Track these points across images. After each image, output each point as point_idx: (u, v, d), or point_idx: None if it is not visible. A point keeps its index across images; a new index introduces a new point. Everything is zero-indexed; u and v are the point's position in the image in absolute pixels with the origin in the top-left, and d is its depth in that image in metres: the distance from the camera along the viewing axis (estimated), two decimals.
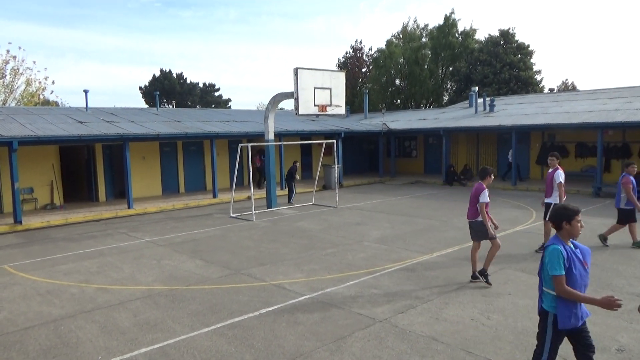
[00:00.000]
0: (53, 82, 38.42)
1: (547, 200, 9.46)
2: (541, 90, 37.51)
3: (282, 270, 8.58)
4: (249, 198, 15.93)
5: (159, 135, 16.85)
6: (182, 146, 20.38)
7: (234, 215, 14.63)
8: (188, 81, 53.93)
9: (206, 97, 54.64)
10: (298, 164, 18.15)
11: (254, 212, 14.16)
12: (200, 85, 55.10)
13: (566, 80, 59.72)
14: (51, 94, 41.66)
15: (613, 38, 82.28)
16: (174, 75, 53.35)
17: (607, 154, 19.14)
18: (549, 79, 79.84)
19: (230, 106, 54.61)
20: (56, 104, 35.97)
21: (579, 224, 4.00)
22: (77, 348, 5.63)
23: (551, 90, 38.96)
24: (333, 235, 11.56)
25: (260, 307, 6.74)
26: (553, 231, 4.18)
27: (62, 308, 6.98)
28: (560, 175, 9.29)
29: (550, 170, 9.58)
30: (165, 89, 50.49)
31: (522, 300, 6.80)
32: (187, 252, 10.16)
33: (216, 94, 56.58)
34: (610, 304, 3.60)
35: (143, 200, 18.02)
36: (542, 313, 4.04)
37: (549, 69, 76.92)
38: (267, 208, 15.74)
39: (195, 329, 6.05)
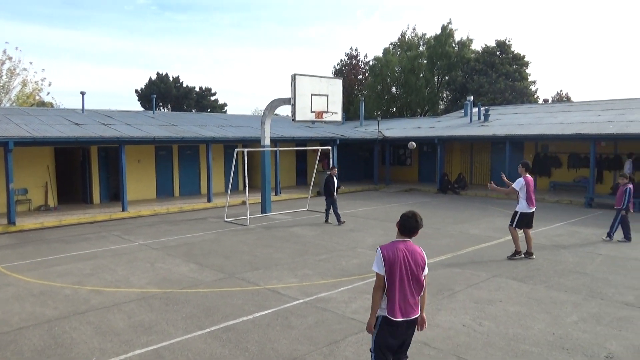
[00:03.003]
0: (50, 84, 38.29)
1: (516, 209, 9.92)
2: (536, 101, 37.86)
3: (276, 275, 8.62)
4: (244, 203, 15.95)
5: (155, 138, 16.88)
6: (177, 150, 20.41)
7: (229, 219, 14.65)
8: (184, 85, 53.93)
9: (202, 101, 54.62)
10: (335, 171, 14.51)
11: (248, 216, 14.19)
12: (197, 89, 55.08)
13: (560, 91, 60.22)
14: (47, 95, 41.59)
15: (607, 50, 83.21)
16: (170, 78, 53.34)
17: (599, 165, 19.35)
18: (544, 90, 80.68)
19: (226, 111, 54.62)
20: (52, 105, 35.90)
21: None
22: (71, 349, 5.65)
23: (545, 100, 39.31)
24: (327, 241, 11.62)
25: (254, 311, 6.78)
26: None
27: (55, 309, 6.98)
28: (519, 183, 9.76)
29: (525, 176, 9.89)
30: (162, 93, 50.46)
31: (513, 308, 6.88)
32: (181, 256, 10.18)
33: (212, 98, 56.57)
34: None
35: (137, 203, 18.01)
36: None
37: (544, 80, 77.70)
38: (262, 213, 15.78)
39: (189, 331, 6.08)
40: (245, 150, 14.96)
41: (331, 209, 13.82)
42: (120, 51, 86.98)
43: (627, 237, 11.17)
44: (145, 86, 52.36)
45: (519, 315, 6.60)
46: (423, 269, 4.08)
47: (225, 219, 14.65)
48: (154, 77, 53.02)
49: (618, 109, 21.40)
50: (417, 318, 4.12)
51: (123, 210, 16.07)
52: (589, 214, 15.47)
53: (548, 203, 18.12)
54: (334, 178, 13.92)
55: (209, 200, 18.36)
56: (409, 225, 4.06)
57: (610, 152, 19.85)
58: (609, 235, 11.32)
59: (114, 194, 18.47)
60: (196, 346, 5.65)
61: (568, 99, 46.81)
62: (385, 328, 4.04)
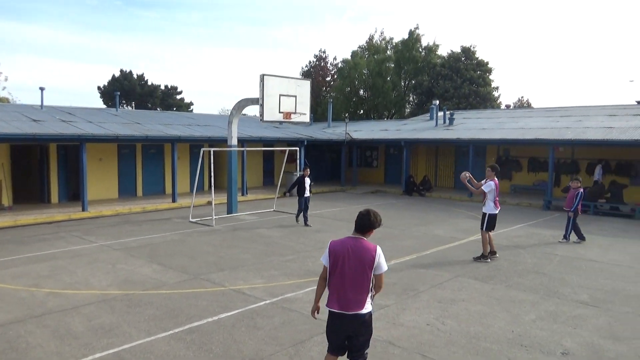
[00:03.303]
0: (6, 79, 36.72)
1: (484, 210, 10.07)
2: (498, 106, 38.94)
3: (241, 276, 8.55)
4: (210, 203, 15.74)
5: (118, 136, 16.45)
6: (141, 149, 19.94)
7: (194, 220, 14.42)
8: (149, 83, 52.82)
9: (167, 99, 53.62)
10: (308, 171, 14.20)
11: (214, 217, 14.01)
12: (162, 87, 54.07)
13: (522, 97, 62.35)
14: (3, 90, 39.88)
15: (566, 59, 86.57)
16: (135, 76, 52.14)
17: (557, 169, 20.07)
18: (506, 96, 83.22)
19: (192, 110, 53.78)
20: (8, 101, 34.44)
21: None
22: (26, 353, 5.43)
23: (507, 106, 40.54)
24: (294, 242, 11.60)
25: (219, 312, 6.70)
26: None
27: (9, 313, 6.69)
28: (489, 186, 9.91)
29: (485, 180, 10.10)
30: (125, 90, 49.24)
31: (474, 307, 7.05)
32: (144, 257, 9.95)
33: (178, 97, 55.62)
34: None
35: (98, 203, 17.49)
36: None
37: (506, 86, 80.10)
38: (228, 214, 15.61)
39: (152, 333, 5.95)
40: (212, 149, 14.77)
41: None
42: (82, 47, 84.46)
43: (580, 237, 11.65)
44: (108, 83, 51.01)
45: (480, 314, 6.77)
46: (371, 268, 4.10)
47: (190, 220, 14.42)
48: (117, 74, 51.72)
49: (576, 115, 22.28)
50: (362, 315, 4.12)
51: (83, 210, 15.58)
52: (547, 217, 16.02)
53: (509, 205, 18.65)
54: (307, 179, 13.86)
55: (173, 201, 18.03)
56: (360, 222, 4.19)
57: (567, 157, 20.63)
58: (565, 237, 11.76)
59: (74, 194, 17.87)
60: (159, 348, 5.53)
61: (529, 105, 48.43)
62: (329, 318, 4.28)
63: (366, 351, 4.30)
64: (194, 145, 20.80)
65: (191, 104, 56.30)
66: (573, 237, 11.77)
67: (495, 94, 39.45)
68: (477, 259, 9.92)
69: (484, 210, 10.01)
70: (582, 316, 6.75)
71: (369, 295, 4.18)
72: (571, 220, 11.67)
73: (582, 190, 11.75)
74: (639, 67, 74.17)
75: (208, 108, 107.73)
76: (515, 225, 14.14)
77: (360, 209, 4.42)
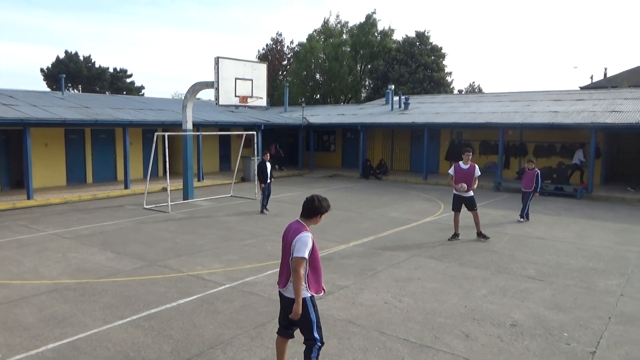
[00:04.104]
0: None
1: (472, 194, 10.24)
2: (451, 91, 39.91)
3: (200, 261, 8.45)
4: (165, 189, 15.40)
5: (65, 120, 15.72)
6: (90, 134, 19.15)
7: (148, 206, 14.08)
8: (97, 65, 50.57)
9: (117, 83, 51.57)
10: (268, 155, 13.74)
11: (170, 203, 13.73)
12: (110, 70, 51.91)
13: (473, 82, 64.09)
14: None
15: (515, 45, 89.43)
16: (81, 58, 49.77)
17: (507, 152, 20.87)
18: (458, 81, 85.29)
19: (143, 94, 52.04)
20: None
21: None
22: None
23: (460, 91, 41.60)
24: (252, 226, 11.56)
25: (178, 298, 6.62)
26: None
27: None
28: (478, 170, 10.29)
29: (469, 164, 10.27)
30: (71, 73, 46.94)
31: (430, 284, 7.30)
32: (97, 245, 9.65)
33: (128, 80, 53.61)
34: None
35: (45, 190, 16.73)
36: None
37: (459, 72, 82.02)
38: (184, 200, 15.33)
39: (108, 322, 5.81)
40: (166, 134, 14.39)
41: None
42: (22, 26, 79.59)
43: (525, 216, 12.22)
44: (53, 65, 48.48)
45: (435, 291, 7.02)
46: (290, 248, 4.15)
47: (145, 206, 14.06)
48: (62, 55, 49.19)
49: (524, 100, 23.15)
50: (287, 296, 4.25)
51: (28, 198, 14.87)
52: (497, 197, 16.68)
53: None
54: (268, 164, 13.61)
55: (126, 187, 17.50)
56: (305, 207, 4.30)
57: (516, 140, 21.47)
58: (523, 216, 12.23)
59: (17, 181, 17.01)
60: (116, 336, 5.42)
61: (480, 91, 49.83)
62: None
63: (313, 336, 4.24)
64: (147, 130, 20.19)
65: (142, 87, 54.44)
66: (518, 216, 12.29)
67: (449, 79, 40.34)
68: (451, 239, 10.13)
69: (471, 193, 10.21)
70: (529, 290, 7.12)
71: (291, 279, 4.20)
72: (529, 200, 12.11)
73: (538, 171, 12.27)
74: (582, 55, 77.63)
75: (160, 92, 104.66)
76: None
77: (319, 193, 4.44)
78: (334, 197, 15.94)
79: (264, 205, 13.42)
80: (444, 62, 39.60)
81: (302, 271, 4.10)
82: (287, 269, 4.22)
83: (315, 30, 43.00)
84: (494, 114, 20.86)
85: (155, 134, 14.62)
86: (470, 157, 10.41)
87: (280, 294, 4.36)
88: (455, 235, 10.24)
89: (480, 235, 10.25)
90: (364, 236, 10.51)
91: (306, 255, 4.09)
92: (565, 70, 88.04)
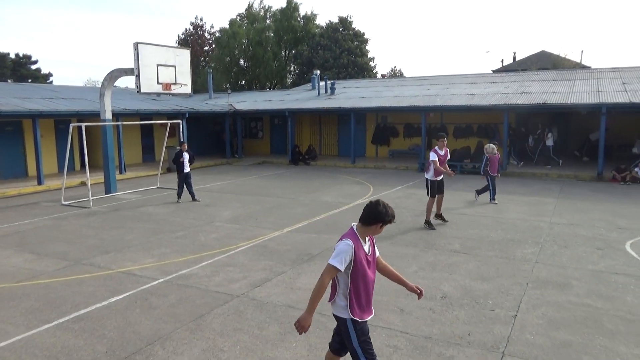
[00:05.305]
0: None
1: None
2: (375, 76, 40.86)
3: (129, 257, 8.11)
4: (84, 184, 14.51)
5: None
6: None
7: (67, 203, 13.21)
8: None
9: (20, 70, 47.43)
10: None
11: (91, 198, 12.97)
12: (12, 56, 47.63)
13: (395, 67, 66.04)
14: None
15: (434, 31, 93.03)
16: None
17: (429, 134, 21.82)
18: (381, 66, 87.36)
19: (51, 81, 48.35)
20: None
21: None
22: None
23: (383, 76, 42.70)
24: (182, 217, 11.25)
25: (108, 297, 6.32)
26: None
27: None
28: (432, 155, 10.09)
29: (444, 150, 10.18)
30: None
31: None
32: (12, 246, 8.93)
33: (33, 67, 49.51)
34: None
35: None
36: None
37: (381, 57, 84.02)
38: (107, 194, 14.55)
39: (32, 327, 5.44)
40: (83, 125, 13.51)
41: (184, 187, 13.27)
42: None
43: (484, 194, 12.77)
44: None
45: None
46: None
47: (63, 203, 13.18)
48: None
49: (443, 84, 24.25)
50: (334, 311, 3.72)
51: None
52: (422, 178, 17.38)
53: (388, 170, 19.95)
54: (185, 154, 13.27)
55: (39, 183, 16.28)
56: (365, 209, 3.65)
57: (437, 122, 22.49)
58: (493, 198, 12.56)
59: None
60: (43, 341, 5.09)
61: (401, 75, 51.45)
62: None
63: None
64: (60, 120, 18.84)
65: (50, 75, 50.56)
66: (483, 197, 12.76)
67: (372, 64, 41.26)
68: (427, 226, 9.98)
69: (427, 176, 10.22)
70: (456, 263, 7.57)
71: (337, 292, 3.63)
72: (492, 181, 12.47)
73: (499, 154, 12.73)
74: (494, 40, 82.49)
75: (72, 80, 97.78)
76: (395, 187, 15.20)
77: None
78: (264, 185, 15.87)
79: (192, 195, 13.14)
80: (366, 47, 40.41)
81: (326, 280, 3.45)
82: (334, 280, 3.61)
83: (238, 15, 42.12)
84: (416, 97, 21.67)
85: (71, 124, 13.67)
86: (445, 142, 10.23)
87: None
88: (430, 223, 9.97)
89: (440, 217, 10.30)
90: (297, 222, 10.58)
91: (338, 265, 3.41)
92: (479, 54, 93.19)
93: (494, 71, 35.92)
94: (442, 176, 10.28)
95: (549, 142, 18.97)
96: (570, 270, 7.18)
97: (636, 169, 15.85)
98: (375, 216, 3.53)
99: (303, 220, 10.69)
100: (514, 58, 41.32)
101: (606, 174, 16.43)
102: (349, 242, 3.49)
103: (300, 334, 3.57)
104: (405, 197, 13.40)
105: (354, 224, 3.60)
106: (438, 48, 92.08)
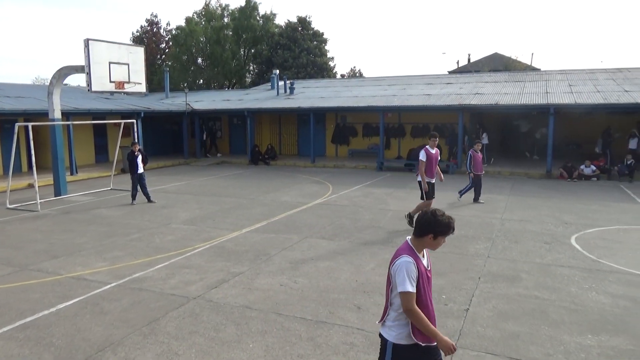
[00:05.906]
0: None
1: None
2: (334, 76, 41.09)
3: (80, 261, 7.81)
4: (31, 186, 13.87)
5: None
6: None
7: (12, 206, 12.59)
8: None
9: None
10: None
11: (39, 201, 12.41)
12: None
13: (354, 67, 66.59)
14: None
15: (392, 32, 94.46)
16: None
17: (387, 133, 22.14)
18: (340, 66, 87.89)
19: None
20: None
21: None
22: None
23: (342, 76, 43.00)
24: (137, 219, 10.94)
25: (56, 303, 6.07)
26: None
27: None
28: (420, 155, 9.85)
29: (435, 149, 9.99)
30: None
31: (323, 263, 7.56)
32: None
33: None
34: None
35: None
36: None
37: (340, 57, 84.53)
38: (56, 196, 13.97)
39: None
40: (29, 124, 12.91)
41: (139, 189, 12.92)
42: None
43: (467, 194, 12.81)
44: None
45: (328, 269, 7.30)
46: (390, 275, 3.19)
47: (8, 206, 12.55)
48: None
49: (400, 84, 24.66)
50: (382, 334, 3.30)
51: None
52: (380, 177, 17.67)
53: (348, 169, 20.11)
54: (137, 154, 12.89)
55: None
56: (417, 220, 3.25)
57: (395, 122, 22.85)
58: (478, 198, 12.63)
59: None
60: None
61: (360, 75, 51.96)
62: None
63: None
64: (5, 120, 17.95)
65: None
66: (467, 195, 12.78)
67: (331, 64, 41.49)
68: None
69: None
70: None
71: (388, 313, 3.21)
72: (478, 181, 12.46)
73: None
74: (451, 41, 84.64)
75: (16, 77, 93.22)
76: (354, 186, 15.33)
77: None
78: (223, 185, 15.66)
79: (147, 196, 12.81)
80: (326, 47, 40.59)
81: (412, 307, 3.04)
82: (386, 301, 3.27)
83: (195, 13, 41.40)
84: (375, 97, 21.94)
85: (16, 124, 13.03)
86: (437, 142, 10.04)
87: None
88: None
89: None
90: (256, 222, 10.51)
91: (411, 288, 3.02)
92: (436, 55, 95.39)
93: (449, 72, 36.84)
94: (434, 178, 10.05)
95: (484, 141, 19.44)
96: (520, 264, 7.45)
97: (582, 167, 16.65)
98: (425, 227, 3.13)
99: (262, 221, 10.62)
100: (469, 60, 42.52)
101: (554, 172, 17.18)
102: (407, 258, 3.09)
103: (454, 351, 3.14)
104: (363, 196, 13.54)
105: (409, 237, 3.24)
106: (397, 49, 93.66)
